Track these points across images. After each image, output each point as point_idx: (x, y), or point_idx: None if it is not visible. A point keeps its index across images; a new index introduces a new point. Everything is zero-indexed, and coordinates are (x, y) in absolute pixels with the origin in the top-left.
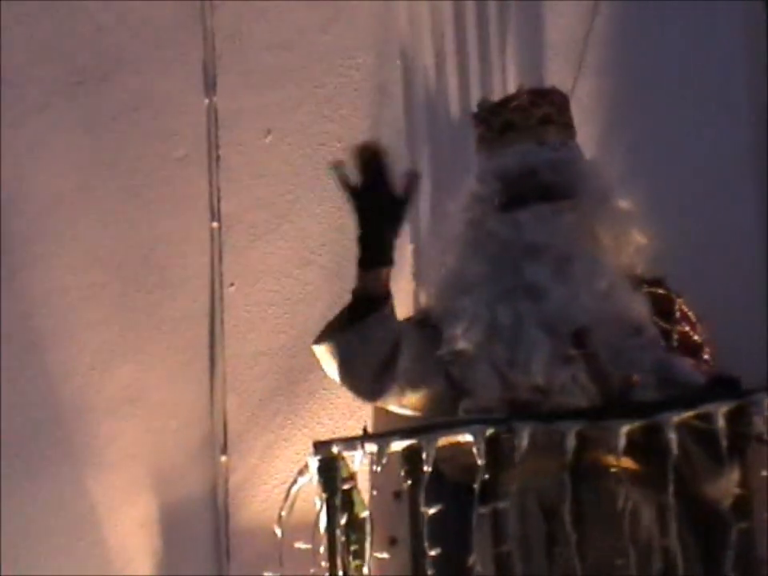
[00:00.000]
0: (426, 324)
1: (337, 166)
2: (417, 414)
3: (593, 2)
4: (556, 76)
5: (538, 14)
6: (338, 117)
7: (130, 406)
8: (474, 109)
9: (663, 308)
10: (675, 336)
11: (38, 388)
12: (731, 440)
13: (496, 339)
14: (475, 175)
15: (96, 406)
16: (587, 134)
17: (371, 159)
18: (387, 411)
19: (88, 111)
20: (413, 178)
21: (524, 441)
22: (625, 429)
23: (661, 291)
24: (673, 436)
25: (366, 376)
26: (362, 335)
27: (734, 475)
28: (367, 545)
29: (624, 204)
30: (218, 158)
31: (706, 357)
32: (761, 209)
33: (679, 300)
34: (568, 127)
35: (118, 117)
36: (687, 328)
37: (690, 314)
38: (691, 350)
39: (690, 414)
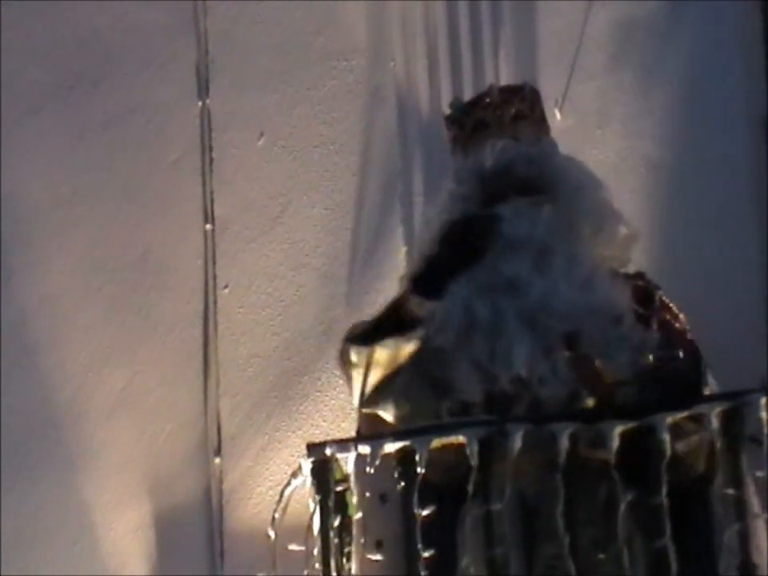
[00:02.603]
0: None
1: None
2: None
3: (587, 1)
4: (549, 78)
5: (531, 16)
6: (331, 119)
7: (124, 410)
8: (447, 111)
9: (644, 299)
10: (655, 323)
11: (32, 392)
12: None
13: (474, 334)
14: (452, 176)
15: (90, 410)
16: (580, 135)
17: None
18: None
19: (81, 115)
20: None
21: (517, 443)
22: (618, 430)
23: (640, 283)
24: (666, 437)
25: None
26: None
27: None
28: (354, 547)
29: (603, 196)
30: (211, 161)
31: (686, 344)
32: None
33: (659, 292)
34: (542, 122)
35: (111, 121)
36: (668, 317)
37: (670, 305)
38: (672, 336)
39: (683, 415)
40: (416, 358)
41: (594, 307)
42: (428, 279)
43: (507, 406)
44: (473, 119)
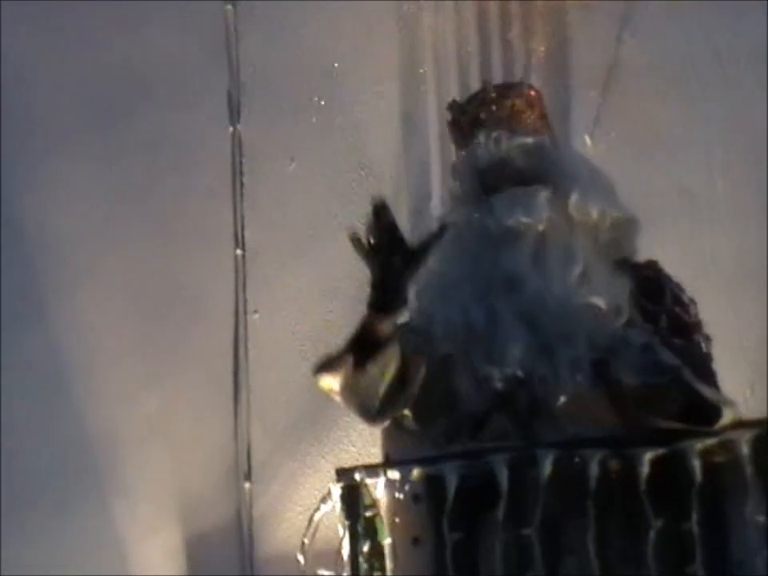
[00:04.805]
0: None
1: (354, 236)
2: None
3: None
4: (581, 106)
5: (564, 46)
6: (362, 145)
7: (155, 437)
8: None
9: (652, 290)
10: (663, 317)
11: (64, 420)
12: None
13: (471, 338)
14: (451, 174)
15: (121, 438)
16: (612, 162)
17: (379, 219)
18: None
19: (113, 143)
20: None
21: (546, 469)
22: (648, 456)
23: (650, 274)
24: (696, 463)
25: (373, 398)
26: (370, 362)
27: None
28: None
29: (601, 184)
30: (242, 186)
31: (697, 338)
32: None
33: (670, 283)
34: (542, 120)
35: (143, 148)
36: (677, 309)
37: (682, 296)
38: (681, 331)
39: (713, 441)
40: (425, 372)
41: (588, 304)
42: (383, 298)
43: (504, 407)
44: (469, 117)
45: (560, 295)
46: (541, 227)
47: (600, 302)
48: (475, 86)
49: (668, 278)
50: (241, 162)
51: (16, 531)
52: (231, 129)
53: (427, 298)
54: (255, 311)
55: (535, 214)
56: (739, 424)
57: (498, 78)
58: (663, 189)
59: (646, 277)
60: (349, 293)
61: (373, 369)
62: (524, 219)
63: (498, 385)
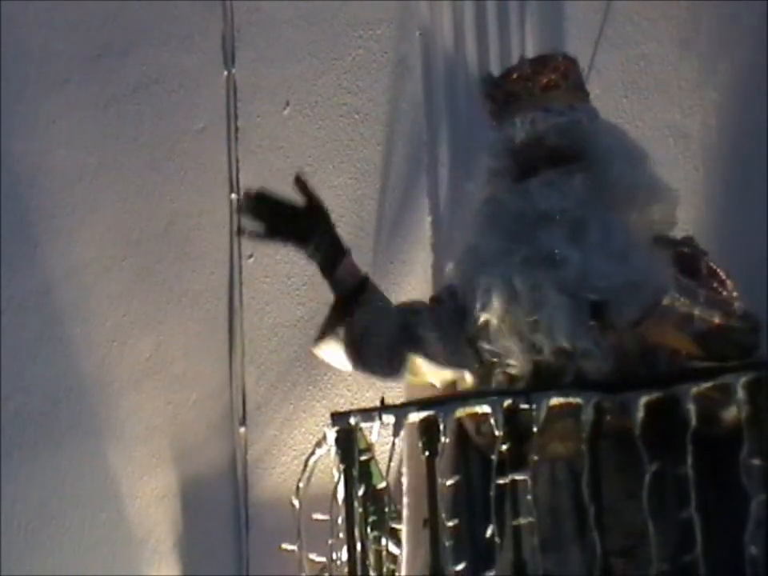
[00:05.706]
0: (450, 299)
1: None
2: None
3: None
4: (575, 47)
5: None
6: (357, 89)
7: (150, 379)
8: (480, 86)
9: (689, 267)
10: (701, 292)
11: (58, 362)
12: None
13: (516, 307)
14: (487, 150)
15: (116, 379)
16: (607, 105)
17: (258, 205)
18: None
19: (108, 85)
20: (300, 182)
21: (543, 412)
22: (643, 400)
23: (686, 250)
24: (691, 407)
25: (379, 355)
26: (360, 319)
27: None
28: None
29: (636, 159)
30: (236, 129)
31: (734, 311)
32: None
33: (705, 258)
34: (576, 90)
35: (138, 90)
36: (715, 284)
37: (718, 270)
38: (720, 305)
39: (708, 385)
40: (452, 325)
41: (632, 279)
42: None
43: (554, 378)
44: (503, 92)
45: (602, 271)
46: (576, 209)
47: (641, 277)
48: (469, 29)
49: (703, 254)
50: (235, 106)
51: (10, 474)
52: (226, 72)
53: (464, 271)
54: (250, 255)
55: (571, 198)
56: (735, 367)
57: (492, 21)
58: (657, 131)
59: (683, 252)
60: (344, 237)
61: (363, 315)
62: (560, 205)
63: (551, 358)
